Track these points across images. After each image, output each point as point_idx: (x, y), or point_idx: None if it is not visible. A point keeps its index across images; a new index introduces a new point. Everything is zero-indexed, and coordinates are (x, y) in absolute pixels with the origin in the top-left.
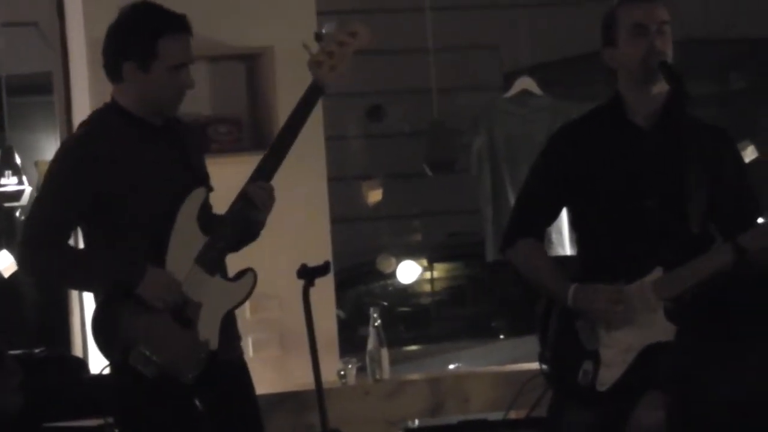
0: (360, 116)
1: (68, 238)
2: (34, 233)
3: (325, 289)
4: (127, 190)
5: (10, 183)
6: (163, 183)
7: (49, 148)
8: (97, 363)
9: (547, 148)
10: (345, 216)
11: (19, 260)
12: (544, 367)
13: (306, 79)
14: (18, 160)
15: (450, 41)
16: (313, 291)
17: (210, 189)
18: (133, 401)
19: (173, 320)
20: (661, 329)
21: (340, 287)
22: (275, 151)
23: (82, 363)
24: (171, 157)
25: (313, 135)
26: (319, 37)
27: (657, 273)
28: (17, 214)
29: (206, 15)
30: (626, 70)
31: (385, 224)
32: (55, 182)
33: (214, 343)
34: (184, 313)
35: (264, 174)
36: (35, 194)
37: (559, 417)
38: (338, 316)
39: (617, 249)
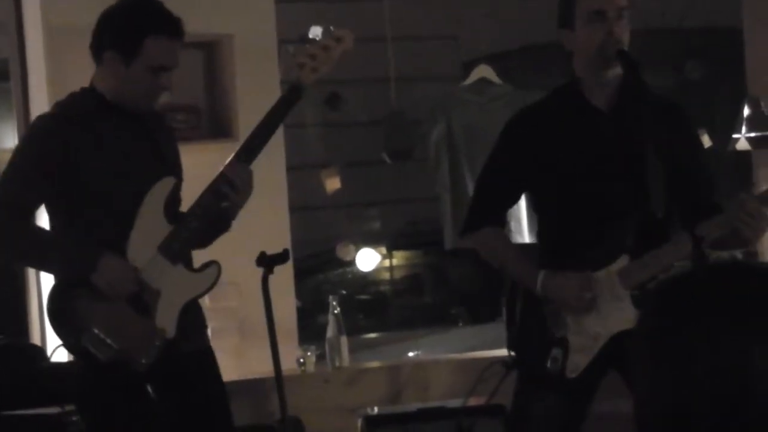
0: (318, 105)
1: (31, 214)
2: None
3: (284, 277)
4: (94, 173)
5: None
6: (131, 169)
7: (5, 135)
8: (57, 351)
9: (506, 132)
10: (304, 204)
11: None
12: (512, 353)
13: (264, 68)
14: None
15: (408, 30)
16: (272, 279)
17: (180, 180)
18: (86, 385)
19: (129, 306)
20: (628, 317)
21: (299, 275)
22: (249, 147)
23: (41, 351)
24: (141, 145)
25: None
26: (303, 39)
27: (623, 261)
28: None
29: (165, 2)
30: (582, 54)
31: (343, 212)
32: (22, 159)
33: (170, 332)
34: (141, 299)
35: (237, 168)
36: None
37: (526, 403)
38: (297, 304)
39: (581, 235)
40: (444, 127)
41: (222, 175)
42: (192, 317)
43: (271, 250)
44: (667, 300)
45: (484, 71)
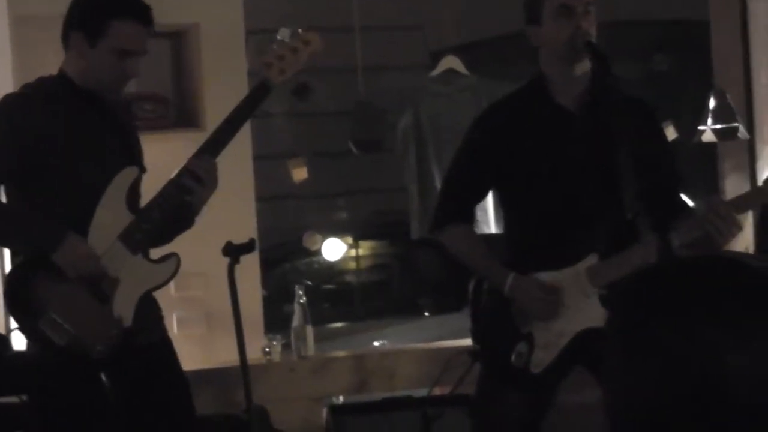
0: (286, 94)
1: None
2: None
3: (250, 266)
4: (56, 157)
5: None
6: (94, 157)
7: None
8: (20, 340)
9: (473, 128)
10: (271, 194)
11: None
12: (477, 345)
13: (231, 58)
14: None
15: (377, 20)
16: (238, 268)
17: (143, 170)
18: (39, 369)
19: (88, 292)
20: (594, 315)
21: (266, 265)
22: (214, 142)
23: (5, 340)
24: (107, 132)
25: None
26: (271, 40)
27: (592, 259)
28: None
29: None
30: (551, 49)
31: (310, 202)
32: None
33: (127, 320)
34: (100, 287)
35: (201, 162)
36: None
37: (489, 395)
38: (263, 294)
39: (549, 233)
40: (411, 117)
41: (187, 167)
42: (149, 308)
43: (237, 240)
44: (639, 293)
45: (451, 62)
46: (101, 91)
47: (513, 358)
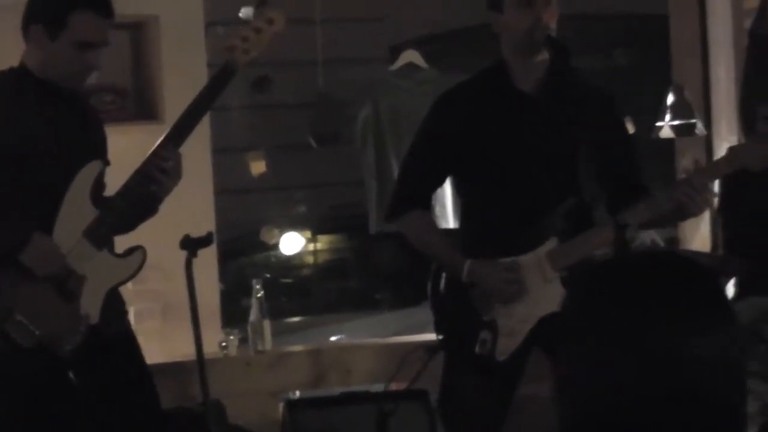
0: (245, 87)
1: None
2: None
3: (208, 260)
4: (16, 153)
5: None
6: (57, 151)
7: None
8: None
9: (431, 114)
10: (229, 187)
11: None
12: (440, 336)
13: (190, 50)
14: None
15: (337, 12)
16: (196, 262)
17: (107, 163)
18: (4, 370)
19: (55, 291)
20: (557, 299)
21: (223, 258)
22: (179, 130)
23: None
24: (69, 126)
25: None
26: (234, 20)
27: (552, 243)
28: None
29: None
30: (510, 37)
31: (269, 196)
32: None
33: (94, 317)
34: (66, 284)
35: (166, 151)
36: None
37: (455, 386)
38: (220, 288)
39: (508, 219)
40: (371, 110)
41: (151, 158)
42: (113, 302)
43: (195, 233)
44: (595, 285)
45: (411, 56)
46: (63, 83)
47: (477, 347)
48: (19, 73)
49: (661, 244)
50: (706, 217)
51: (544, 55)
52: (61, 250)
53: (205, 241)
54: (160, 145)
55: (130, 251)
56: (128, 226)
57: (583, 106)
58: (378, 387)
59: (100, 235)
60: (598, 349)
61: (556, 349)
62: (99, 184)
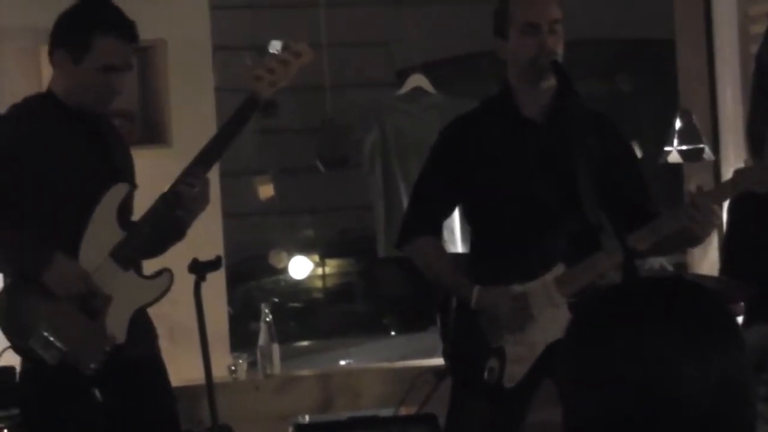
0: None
1: None
2: None
3: (216, 283)
4: (42, 174)
5: None
6: (81, 175)
7: None
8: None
9: (439, 141)
10: (237, 211)
11: None
12: (448, 363)
13: (198, 74)
14: None
15: (343, 37)
16: (204, 286)
17: (134, 186)
18: (31, 387)
19: (79, 310)
20: (564, 325)
21: (232, 282)
22: (205, 156)
23: None
24: (93, 150)
25: (205, 129)
26: (262, 52)
27: (559, 269)
28: None
29: None
30: (516, 64)
31: (277, 220)
32: None
33: (120, 337)
34: (91, 303)
35: (193, 177)
36: None
37: (462, 412)
38: (229, 312)
39: (515, 245)
40: (378, 134)
41: (177, 183)
42: (142, 325)
43: (203, 257)
44: (595, 311)
45: (418, 80)
46: (88, 108)
47: (486, 374)
48: (45, 98)
49: (670, 269)
50: (714, 242)
51: (551, 82)
52: (86, 270)
53: (213, 265)
54: (186, 171)
55: (158, 273)
56: (156, 250)
57: (589, 132)
58: (387, 411)
59: (126, 256)
60: (604, 374)
61: (559, 377)
62: (126, 206)
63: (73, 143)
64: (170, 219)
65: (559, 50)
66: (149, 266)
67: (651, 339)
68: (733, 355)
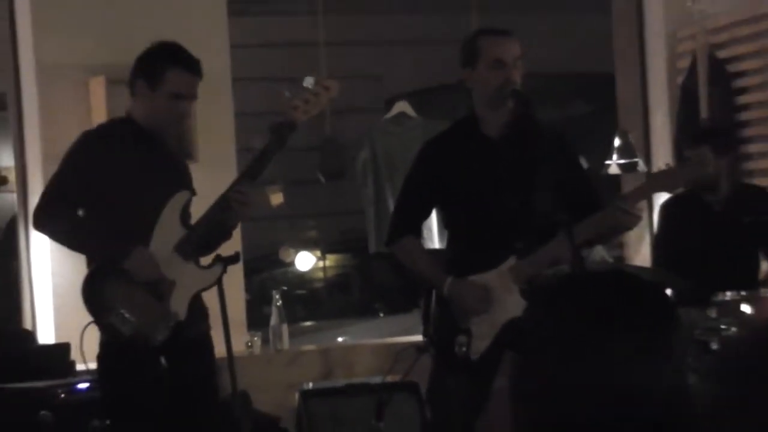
0: (266, 133)
1: (70, 208)
2: (41, 203)
3: (235, 275)
4: (123, 184)
5: None
6: (153, 183)
7: (4, 153)
8: (45, 335)
9: (417, 159)
10: (252, 215)
11: (33, 220)
12: (427, 341)
13: (219, 101)
14: None
15: (340, 71)
16: (225, 277)
17: (193, 193)
18: (110, 355)
19: (149, 292)
20: (517, 306)
21: (248, 273)
22: (250, 172)
23: (31, 334)
24: (163, 163)
25: (226, 147)
26: (298, 86)
27: (512, 261)
28: None
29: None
30: (482, 91)
31: (286, 222)
32: (62, 165)
33: (182, 315)
34: (159, 287)
35: (239, 188)
36: None
37: (440, 382)
38: (246, 298)
39: (479, 242)
40: (369, 152)
41: (228, 191)
42: (198, 306)
43: (224, 253)
44: (554, 300)
45: (402, 107)
46: (160, 130)
47: (456, 348)
48: (125, 121)
49: (610, 260)
50: (647, 238)
51: (510, 106)
52: (156, 260)
53: (233, 260)
54: (235, 182)
55: (212, 264)
56: (211, 247)
57: (541, 147)
58: (376, 379)
59: (187, 250)
60: (557, 358)
61: (516, 359)
62: (186, 209)
63: (146, 158)
64: (221, 221)
65: (518, 80)
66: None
67: (601, 325)
68: (673, 336)
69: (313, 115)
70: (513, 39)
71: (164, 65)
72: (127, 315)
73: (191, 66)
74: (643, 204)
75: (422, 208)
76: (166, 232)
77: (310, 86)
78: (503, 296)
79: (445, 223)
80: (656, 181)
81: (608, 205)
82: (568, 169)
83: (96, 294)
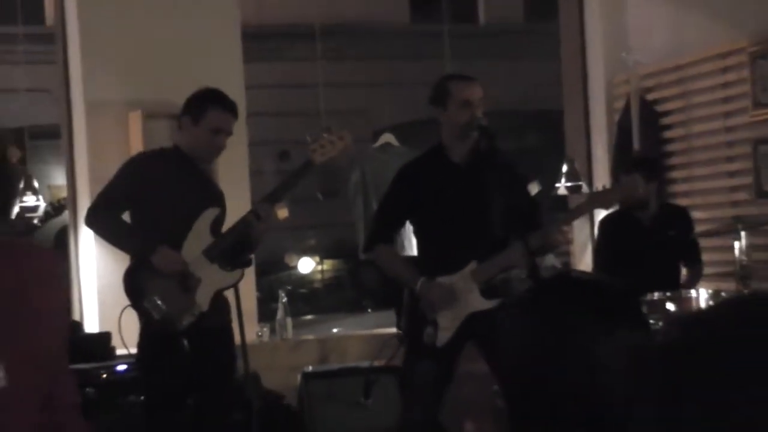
0: (273, 158)
1: (117, 212)
2: (93, 204)
3: (248, 276)
4: (160, 197)
5: (30, 200)
6: (191, 200)
7: (57, 175)
8: (91, 325)
9: (394, 180)
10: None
11: (84, 217)
12: (400, 331)
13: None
14: (36, 184)
15: (336, 106)
16: None
17: (224, 210)
18: (145, 336)
19: (178, 285)
20: (477, 302)
21: (259, 275)
22: (272, 197)
23: (79, 325)
24: (200, 185)
25: (241, 172)
26: (318, 133)
27: (473, 265)
28: (35, 221)
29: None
30: (451, 127)
31: (290, 233)
32: (115, 176)
33: (204, 307)
34: (186, 281)
35: (262, 207)
36: (49, 207)
37: (411, 367)
38: (257, 295)
39: (444, 249)
40: (359, 175)
41: (252, 210)
42: (220, 302)
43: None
44: (528, 302)
45: (388, 137)
46: (202, 160)
47: (424, 337)
48: (172, 149)
49: (559, 266)
50: (589, 249)
51: (474, 137)
52: (184, 259)
53: (247, 263)
54: (259, 202)
55: (234, 268)
56: (238, 255)
57: (498, 172)
58: (365, 364)
59: (213, 254)
60: (533, 343)
61: (497, 355)
62: (217, 222)
63: (186, 179)
64: (243, 232)
65: (480, 114)
66: None
67: (573, 317)
68: (631, 324)
69: (327, 157)
70: (477, 83)
71: (207, 105)
72: (158, 302)
73: (229, 106)
74: (581, 222)
75: (395, 221)
76: (198, 239)
77: (327, 135)
78: (465, 295)
79: (416, 234)
80: (596, 199)
81: (547, 224)
82: (517, 192)
83: (134, 283)
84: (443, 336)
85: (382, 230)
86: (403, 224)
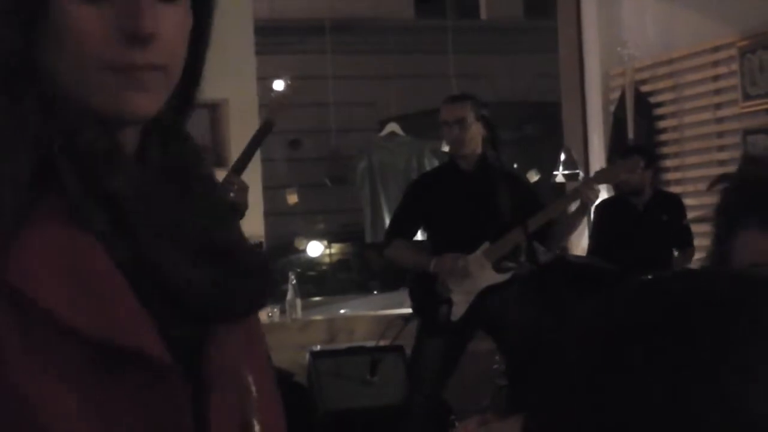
0: (284, 146)
1: None
2: None
3: None
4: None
5: None
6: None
7: None
8: None
9: (410, 187)
10: (274, 211)
11: None
12: (415, 314)
13: (248, 122)
14: None
15: (344, 98)
16: None
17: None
18: None
19: None
20: (489, 279)
21: (270, 258)
22: (238, 165)
23: None
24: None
25: (254, 158)
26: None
27: (486, 245)
28: None
29: None
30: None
31: (300, 217)
32: None
33: None
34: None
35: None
36: None
37: (422, 344)
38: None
39: (458, 244)
40: (366, 162)
41: (223, 180)
42: None
43: (252, 243)
44: (540, 284)
45: (393, 127)
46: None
47: (439, 316)
48: None
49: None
50: (585, 234)
51: (478, 150)
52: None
53: (258, 247)
54: (228, 173)
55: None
56: None
57: (502, 177)
58: (371, 343)
59: None
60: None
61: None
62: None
63: None
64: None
65: (464, 135)
66: None
67: (575, 296)
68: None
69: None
70: (456, 104)
71: None
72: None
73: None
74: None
75: (412, 225)
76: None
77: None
78: (478, 271)
79: (428, 237)
80: (601, 175)
81: (550, 202)
82: (522, 193)
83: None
84: (457, 311)
85: (397, 230)
86: (418, 228)
